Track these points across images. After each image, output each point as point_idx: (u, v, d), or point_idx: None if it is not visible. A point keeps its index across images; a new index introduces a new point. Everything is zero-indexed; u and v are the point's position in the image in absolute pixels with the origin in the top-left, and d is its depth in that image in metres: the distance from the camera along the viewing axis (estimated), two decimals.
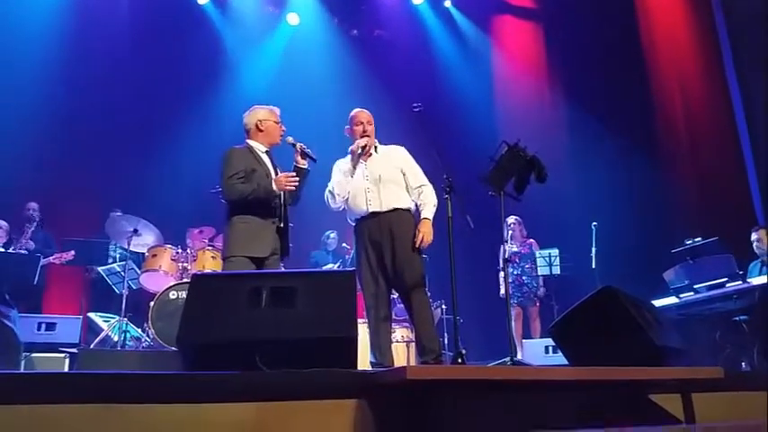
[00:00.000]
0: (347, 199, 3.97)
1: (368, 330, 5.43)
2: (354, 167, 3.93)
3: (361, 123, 3.99)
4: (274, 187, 3.64)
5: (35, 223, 6.20)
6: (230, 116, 7.89)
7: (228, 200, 3.71)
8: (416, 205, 3.98)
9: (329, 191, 4.01)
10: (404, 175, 3.96)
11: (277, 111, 4.02)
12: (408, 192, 3.96)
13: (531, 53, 9.51)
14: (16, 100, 6.95)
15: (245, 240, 3.63)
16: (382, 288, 3.85)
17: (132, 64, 7.96)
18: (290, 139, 3.96)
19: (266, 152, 3.91)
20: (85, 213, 7.04)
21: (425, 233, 3.81)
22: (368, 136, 3.96)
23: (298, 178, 3.71)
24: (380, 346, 3.85)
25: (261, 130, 3.90)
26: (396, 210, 3.85)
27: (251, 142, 3.89)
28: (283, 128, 3.98)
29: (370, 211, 3.86)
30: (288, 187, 3.66)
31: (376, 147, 4.04)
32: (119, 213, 6.55)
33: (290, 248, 3.87)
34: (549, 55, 9.36)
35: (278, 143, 3.96)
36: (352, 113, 4.07)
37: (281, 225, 3.78)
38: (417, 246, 3.79)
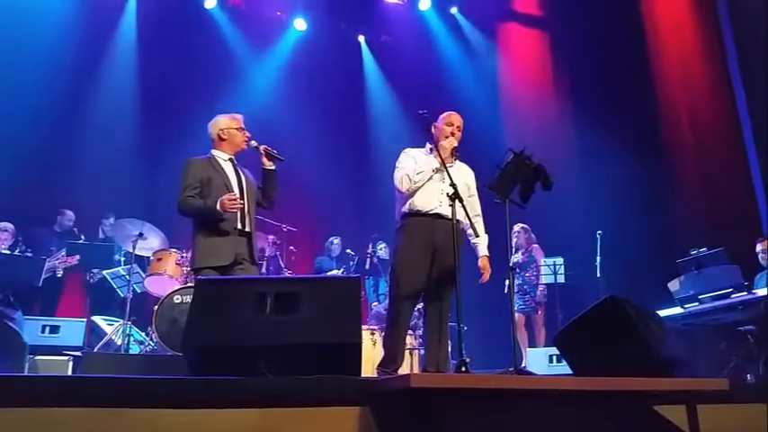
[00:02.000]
0: (419, 187, 3.87)
1: (371, 337, 5.44)
2: (434, 171, 3.87)
3: (452, 125, 3.96)
4: (218, 208, 3.66)
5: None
6: None
7: (182, 214, 3.84)
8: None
9: (407, 174, 3.87)
10: (471, 196, 3.96)
11: (239, 117, 4.09)
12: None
13: (537, 61, 9.51)
14: (22, 103, 6.98)
15: (206, 252, 3.71)
16: (415, 291, 3.81)
17: (139, 68, 8.00)
18: (254, 142, 4.00)
19: (230, 159, 3.97)
20: (89, 216, 7.05)
21: (488, 270, 3.93)
22: (457, 141, 3.94)
23: (238, 199, 3.69)
24: (402, 351, 3.86)
25: (223, 139, 3.98)
26: (458, 222, 3.72)
27: (214, 152, 3.98)
28: (247, 134, 4.02)
29: (438, 211, 3.80)
30: (230, 210, 3.67)
31: (456, 158, 4.00)
32: (112, 219, 6.59)
33: (263, 254, 3.97)
34: (554, 63, 9.36)
35: (243, 148, 4.02)
36: (447, 113, 4.03)
37: (246, 229, 3.81)
38: (482, 282, 3.91)
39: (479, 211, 4.03)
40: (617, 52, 8.15)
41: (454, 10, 9.67)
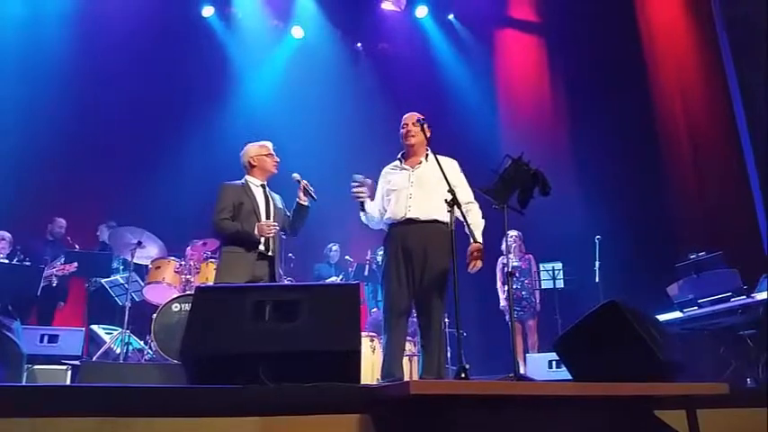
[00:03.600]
0: (388, 202, 3.90)
1: (370, 344, 5.43)
2: (364, 210, 3.95)
3: (405, 125, 3.97)
4: (255, 232, 3.98)
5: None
6: (234, 128, 7.97)
7: (217, 233, 4.19)
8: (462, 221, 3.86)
9: (376, 211, 3.96)
10: (455, 187, 3.89)
11: (268, 144, 4.34)
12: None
13: (534, 67, 9.56)
14: (20, 113, 6.99)
15: (226, 269, 4.01)
16: (406, 300, 3.72)
17: (136, 76, 8.01)
18: (296, 175, 4.25)
19: (261, 185, 4.25)
20: (88, 224, 7.05)
21: (480, 258, 3.74)
22: (411, 137, 3.94)
23: (277, 226, 4.05)
24: (399, 359, 3.74)
25: (254, 166, 4.26)
26: (435, 222, 3.73)
27: (248, 177, 4.26)
28: (276, 159, 4.29)
29: (408, 216, 3.76)
30: (267, 234, 4.00)
31: (427, 155, 3.96)
32: (111, 226, 6.60)
33: (280, 275, 4.20)
34: (551, 69, 9.40)
35: (273, 172, 4.30)
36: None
37: (269, 253, 4.07)
38: (470, 270, 3.73)
39: (472, 198, 3.90)
40: (613, 58, 8.18)
41: (451, 17, 9.73)
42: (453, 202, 3.48)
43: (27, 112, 7.10)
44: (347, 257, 7.21)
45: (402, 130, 3.99)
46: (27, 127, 7.08)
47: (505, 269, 4.73)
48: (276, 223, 4.06)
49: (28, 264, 5.89)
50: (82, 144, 7.54)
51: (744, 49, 7.22)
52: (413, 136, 3.94)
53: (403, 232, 3.77)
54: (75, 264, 6.02)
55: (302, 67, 9.06)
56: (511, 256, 6.86)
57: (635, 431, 2.52)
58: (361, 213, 3.98)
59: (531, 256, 7.02)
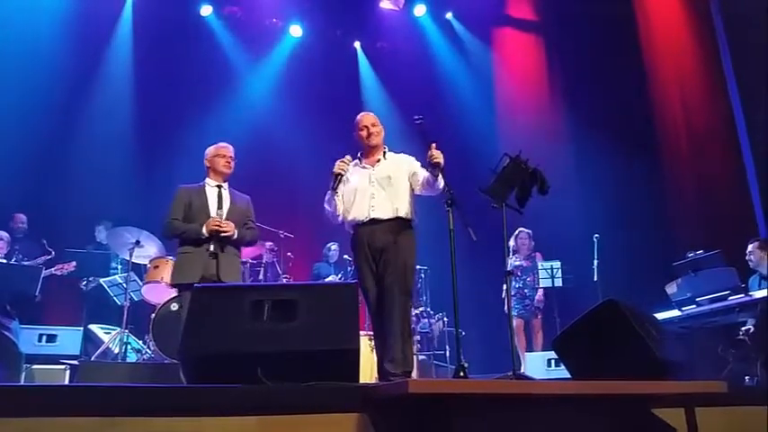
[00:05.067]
0: (350, 203, 3.90)
1: (369, 343, 5.43)
2: (335, 189, 3.89)
3: (365, 128, 3.98)
4: (203, 231, 4.05)
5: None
6: (232, 126, 7.96)
7: (165, 236, 4.41)
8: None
9: (331, 203, 3.94)
10: (414, 174, 3.90)
11: (222, 145, 4.41)
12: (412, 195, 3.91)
13: (532, 65, 9.55)
14: (16, 111, 6.97)
15: (178, 270, 4.15)
16: (374, 302, 3.81)
17: (134, 75, 8.01)
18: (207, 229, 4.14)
19: (217, 185, 4.31)
20: (85, 224, 7.04)
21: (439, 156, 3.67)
22: (375, 136, 3.95)
23: (225, 226, 4.09)
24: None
25: (209, 167, 4.38)
26: (398, 219, 3.80)
27: (206, 179, 4.37)
28: (228, 159, 4.34)
29: (372, 216, 3.81)
30: (213, 230, 4.05)
31: (385, 153, 4.00)
32: (107, 226, 6.58)
33: (236, 271, 4.23)
34: (549, 67, 9.40)
35: (225, 173, 4.34)
36: (357, 118, 4.06)
37: (216, 251, 4.09)
38: (433, 161, 3.64)
39: (426, 173, 3.83)
40: (611, 56, 8.18)
41: (449, 15, 9.71)
42: (452, 202, 3.49)
43: (23, 110, 7.07)
44: (346, 257, 7.20)
45: (362, 132, 3.98)
46: (22, 125, 7.05)
47: (506, 268, 4.73)
48: (224, 221, 4.09)
49: (26, 263, 5.88)
50: (79, 142, 7.52)
51: (742, 48, 7.22)
52: (376, 135, 3.97)
53: (368, 233, 3.81)
54: (74, 263, 6.01)
55: (301, 65, 9.05)
56: (516, 255, 6.88)
57: (633, 430, 2.52)
58: (329, 194, 3.91)
59: (538, 254, 7.01)
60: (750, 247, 5.47)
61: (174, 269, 4.24)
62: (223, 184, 4.32)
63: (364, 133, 3.97)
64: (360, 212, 3.86)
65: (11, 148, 6.80)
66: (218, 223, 4.05)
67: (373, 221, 3.81)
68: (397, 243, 3.75)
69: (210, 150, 4.39)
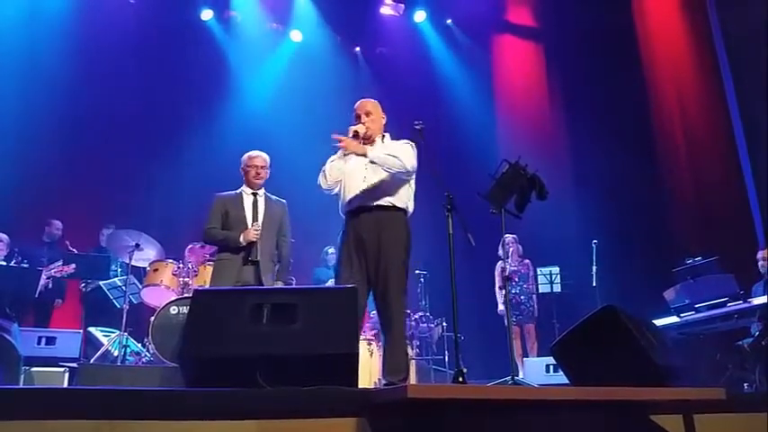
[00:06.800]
0: (341, 182, 3.75)
1: (368, 347, 5.43)
2: (345, 155, 3.74)
3: (357, 117, 3.87)
4: (241, 239, 4.21)
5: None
6: (232, 131, 7.98)
7: (206, 243, 4.66)
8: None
9: (322, 170, 3.77)
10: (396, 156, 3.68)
11: (254, 154, 4.46)
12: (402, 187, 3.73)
13: (531, 72, 9.58)
14: (18, 115, 6.99)
15: (216, 276, 4.31)
16: (361, 288, 3.46)
17: (135, 79, 8.01)
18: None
19: (253, 193, 4.43)
20: (86, 227, 7.05)
21: (348, 143, 3.65)
22: (362, 124, 3.80)
23: (258, 230, 4.25)
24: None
25: (243, 176, 4.47)
26: (389, 208, 3.63)
27: (243, 187, 4.47)
28: (259, 170, 4.40)
29: (361, 203, 3.63)
30: (251, 238, 4.21)
31: (383, 136, 3.89)
32: (112, 229, 6.58)
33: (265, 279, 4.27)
34: (548, 74, 9.43)
35: (255, 183, 4.42)
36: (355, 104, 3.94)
37: (254, 258, 4.25)
38: (337, 139, 3.65)
39: (405, 160, 3.67)
40: (610, 62, 8.21)
41: (449, 21, 9.75)
42: (451, 206, 3.48)
43: (25, 115, 7.08)
44: None
45: (355, 120, 3.86)
46: (25, 129, 7.07)
47: (504, 273, 4.74)
48: (259, 228, 4.24)
49: (26, 266, 5.88)
50: (80, 146, 7.53)
51: (740, 52, 7.25)
52: (371, 123, 3.84)
53: (357, 220, 3.63)
54: (73, 265, 6.01)
55: (301, 70, 9.07)
56: (509, 260, 6.86)
57: None
58: (330, 162, 3.77)
59: (528, 260, 7.01)
60: (762, 254, 5.56)
61: (212, 276, 4.42)
62: (258, 192, 4.44)
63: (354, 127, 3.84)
64: (350, 194, 3.69)
65: (13, 149, 6.82)
66: (255, 232, 4.22)
67: (362, 208, 3.64)
68: (387, 235, 3.57)
69: (244, 159, 4.47)
